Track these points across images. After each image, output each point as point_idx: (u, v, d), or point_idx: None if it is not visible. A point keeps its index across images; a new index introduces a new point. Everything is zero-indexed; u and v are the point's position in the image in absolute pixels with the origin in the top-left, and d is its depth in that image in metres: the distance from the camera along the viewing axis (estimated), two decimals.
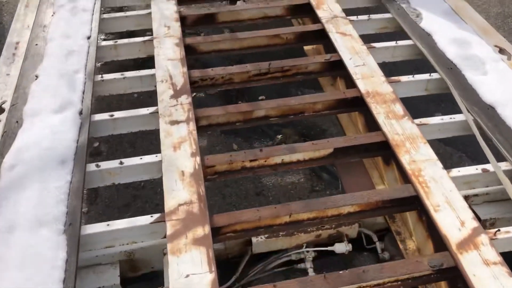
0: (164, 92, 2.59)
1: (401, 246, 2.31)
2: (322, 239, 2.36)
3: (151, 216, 2.07)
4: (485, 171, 2.29)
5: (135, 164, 2.30)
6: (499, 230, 1.98)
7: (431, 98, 2.99)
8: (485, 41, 2.93)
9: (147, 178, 2.35)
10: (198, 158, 2.22)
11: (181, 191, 2.07)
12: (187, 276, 1.77)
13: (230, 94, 3.88)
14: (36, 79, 2.66)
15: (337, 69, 2.92)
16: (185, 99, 2.54)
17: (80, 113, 2.46)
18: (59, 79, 2.64)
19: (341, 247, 2.35)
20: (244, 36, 3.10)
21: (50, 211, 1.98)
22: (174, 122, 2.41)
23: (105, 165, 2.30)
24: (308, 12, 3.38)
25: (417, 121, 2.47)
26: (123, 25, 3.37)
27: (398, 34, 3.20)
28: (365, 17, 3.26)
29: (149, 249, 2.12)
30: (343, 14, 3.21)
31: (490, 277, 1.76)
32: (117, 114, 2.54)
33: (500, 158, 2.30)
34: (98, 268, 2.07)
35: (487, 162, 2.31)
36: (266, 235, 2.24)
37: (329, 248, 2.35)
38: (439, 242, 1.96)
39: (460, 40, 2.94)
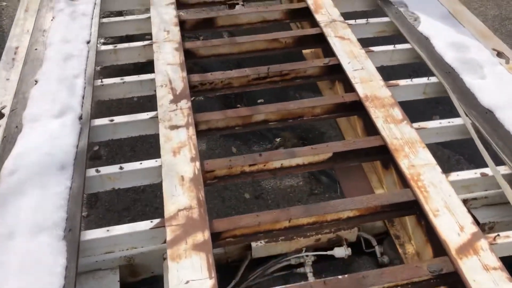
0: (163, 97, 2.59)
1: (400, 250, 2.32)
2: (321, 243, 2.37)
3: (151, 222, 2.07)
4: (483, 175, 2.30)
5: (135, 169, 2.30)
6: (498, 235, 1.98)
7: (428, 100, 2.99)
8: (483, 45, 2.93)
9: (147, 183, 2.36)
10: (197, 163, 2.23)
11: (180, 196, 2.08)
12: (187, 282, 1.77)
13: (229, 98, 3.88)
14: (35, 84, 2.65)
15: (336, 73, 2.93)
16: (185, 104, 2.55)
17: (80, 118, 2.46)
18: (58, 84, 2.64)
19: (340, 251, 2.36)
20: (243, 40, 3.10)
21: (49, 217, 1.97)
22: (173, 127, 2.42)
23: (105, 170, 2.30)
24: (306, 16, 3.38)
25: (416, 125, 2.48)
26: (123, 30, 3.38)
27: (396, 38, 3.20)
28: (363, 21, 3.27)
29: (149, 254, 2.13)
30: (342, 18, 3.22)
31: (490, 282, 1.77)
32: (117, 119, 2.55)
33: (498, 161, 2.31)
34: (97, 273, 2.08)
35: (485, 164, 2.32)
36: (265, 240, 2.25)
37: (328, 253, 2.37)
38: (438, 246, 1.96)
39: (458, 43, 2.94)
